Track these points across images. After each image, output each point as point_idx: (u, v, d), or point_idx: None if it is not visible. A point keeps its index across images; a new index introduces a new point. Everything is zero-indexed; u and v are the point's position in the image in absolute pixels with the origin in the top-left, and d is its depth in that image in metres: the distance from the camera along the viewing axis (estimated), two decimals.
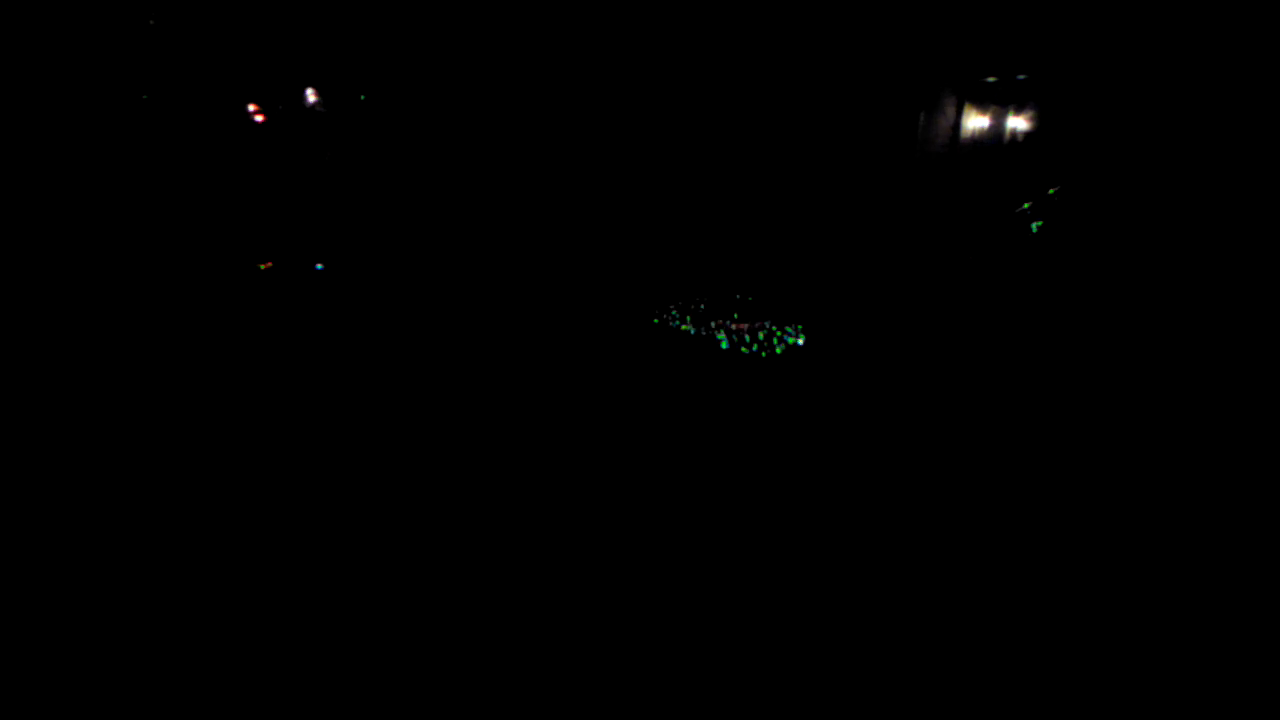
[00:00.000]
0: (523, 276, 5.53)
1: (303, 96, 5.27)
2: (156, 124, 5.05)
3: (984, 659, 2.60)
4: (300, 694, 2.33)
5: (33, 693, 2.27)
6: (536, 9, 5.34)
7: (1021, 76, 5.37)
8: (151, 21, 4.95)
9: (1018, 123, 5.48)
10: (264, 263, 5.23)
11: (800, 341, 4.76)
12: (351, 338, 5.21)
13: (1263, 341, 4.49)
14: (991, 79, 5.45)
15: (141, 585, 2.79)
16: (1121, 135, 5.07)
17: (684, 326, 5.31)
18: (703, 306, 5.43)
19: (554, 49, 5.40)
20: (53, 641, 2.48)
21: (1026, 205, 5.34)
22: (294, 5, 5.17)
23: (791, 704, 2.38)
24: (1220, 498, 3.67)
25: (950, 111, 5.58)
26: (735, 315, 5.35)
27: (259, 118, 5.20)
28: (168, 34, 4.98)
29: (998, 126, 5.54)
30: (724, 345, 5.07)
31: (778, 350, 4.81)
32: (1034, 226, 5.24)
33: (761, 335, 5.07)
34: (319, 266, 5.32)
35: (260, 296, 5.18)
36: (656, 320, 5.38)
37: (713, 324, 5.30)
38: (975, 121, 5.58)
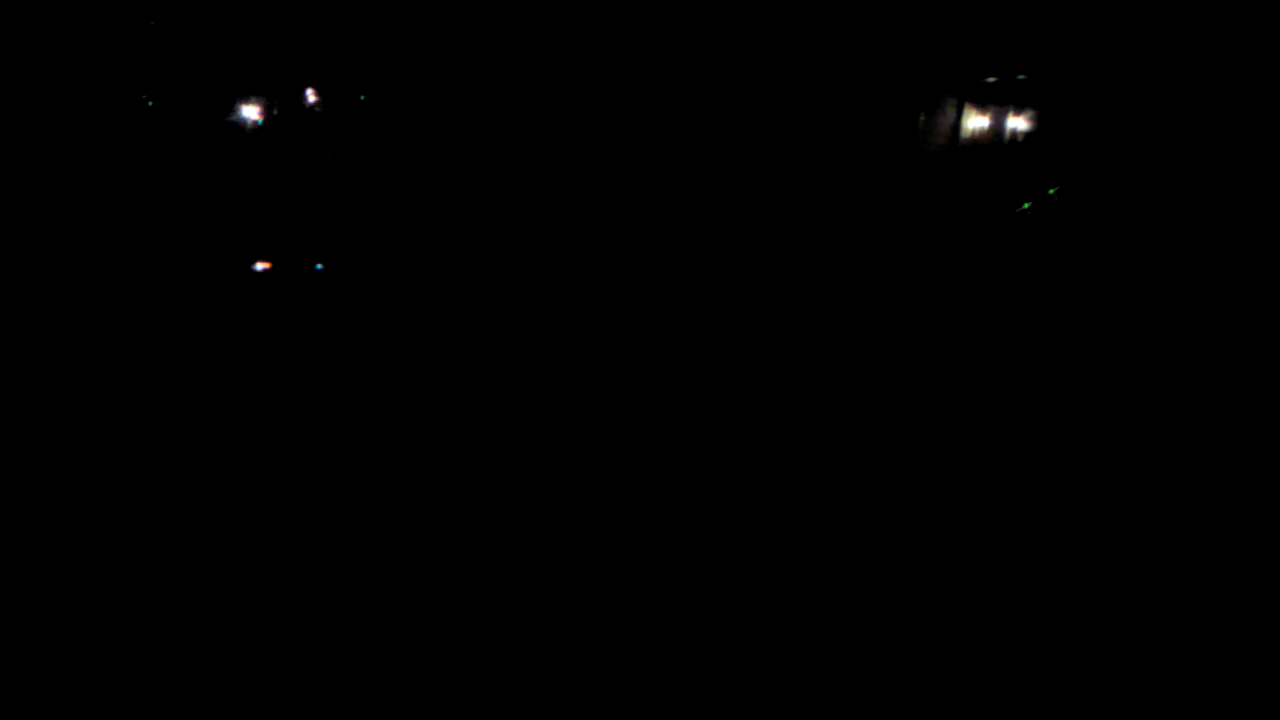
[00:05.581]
0: (524, 277, 5.54)
1: (303, 96, 5.28)
2: (155, 124, 5.06)
3: (981, 658, 2.59)
4: (300, 694, 2.33)
5: (32, 693, 2.27)
6: (537, 9, 5.35)
7: (1021, 76, 5.36)
8: (152, 22, 4.95)
9: (1018, 123, 5.47)
10: (263, 263, 5.24)
11: None
12: (352, 339, 5.21)
13: (1264, 342, 4.48)
14: (991, 79, 5.45)
15: (141, 587, 2.80)
16: (1122, 135, 5.07)
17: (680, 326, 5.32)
18: (699, 306, 5.44)
19: (554, 48, 5.41)
20: (52, 642, 2.49)
21: (1026, 205, 5.34)
22: (294, 5, 5.17)
23: (791, 701, 2.38)
24: (1220, 498, 3.67)
25: (950, 111, 5.58)
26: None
27: (259, 117, 5.21)
28: (168, 34, 4.99)
29: (998, 126, 5.53)
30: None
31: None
32: (1032, 225, 5.24)
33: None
34: (319, 266, 5.32)
35: (260, 297, 5.19)
36: (653, 320, 5.39)
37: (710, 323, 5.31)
38: (975, 121, 5.57)
